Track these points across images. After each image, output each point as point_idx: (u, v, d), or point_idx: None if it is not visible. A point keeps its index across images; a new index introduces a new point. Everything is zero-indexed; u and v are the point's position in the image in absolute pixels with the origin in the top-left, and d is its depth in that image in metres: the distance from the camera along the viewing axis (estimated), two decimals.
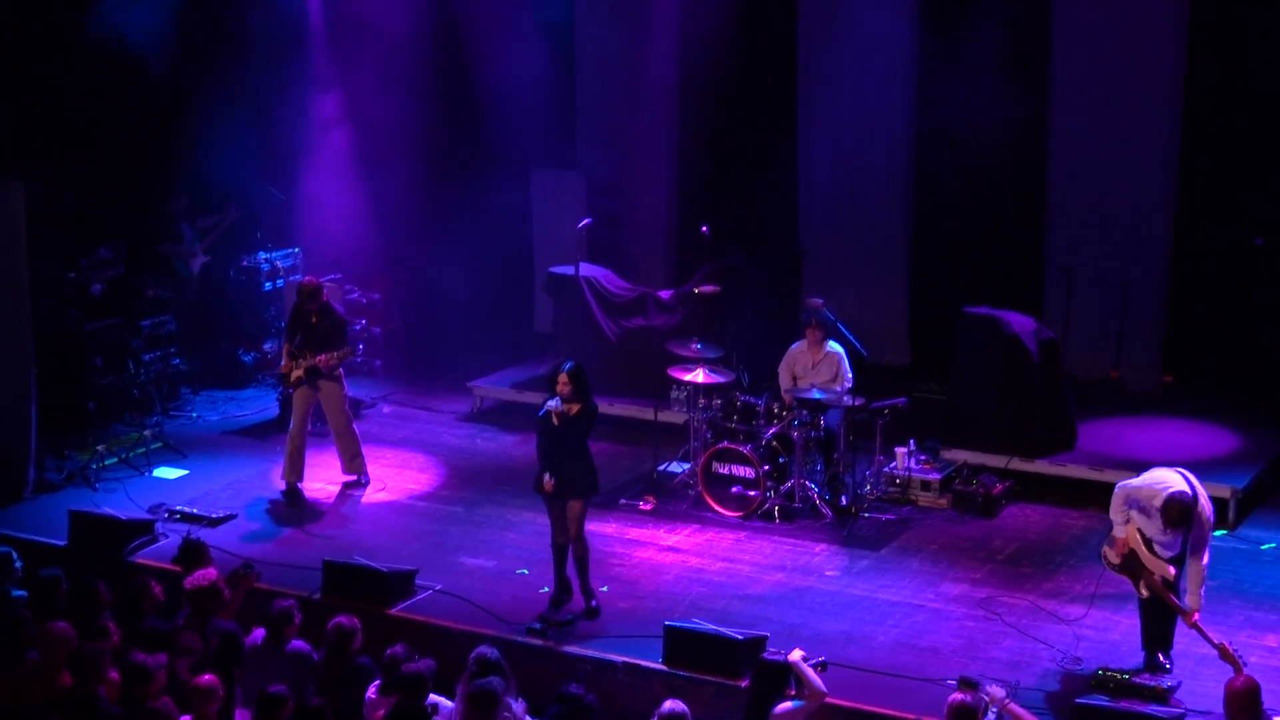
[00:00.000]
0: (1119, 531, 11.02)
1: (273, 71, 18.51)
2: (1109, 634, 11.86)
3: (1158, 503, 10.71)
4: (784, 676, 9.97)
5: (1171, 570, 10.87)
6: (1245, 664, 10.27)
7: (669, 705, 9.59)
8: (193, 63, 18.29)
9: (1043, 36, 16.83)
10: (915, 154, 17.82)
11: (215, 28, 18.48)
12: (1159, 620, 11.17)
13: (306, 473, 15.12)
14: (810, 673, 10.01)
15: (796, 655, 10.08)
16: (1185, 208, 16.66)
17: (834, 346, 14.65)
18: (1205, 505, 10.75)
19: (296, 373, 14.79)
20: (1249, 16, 16.01)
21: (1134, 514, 10.96)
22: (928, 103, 17.64)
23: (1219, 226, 16.50)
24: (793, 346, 14.89)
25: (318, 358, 14.67)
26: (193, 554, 11.87)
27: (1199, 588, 10.80)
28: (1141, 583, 11.02)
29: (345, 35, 19.25)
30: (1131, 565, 11.03)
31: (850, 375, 14.52)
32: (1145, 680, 10.96)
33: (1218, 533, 13.34)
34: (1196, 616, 10.81)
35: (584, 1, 19.11)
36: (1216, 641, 10.52)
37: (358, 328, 17.93)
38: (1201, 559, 10.79)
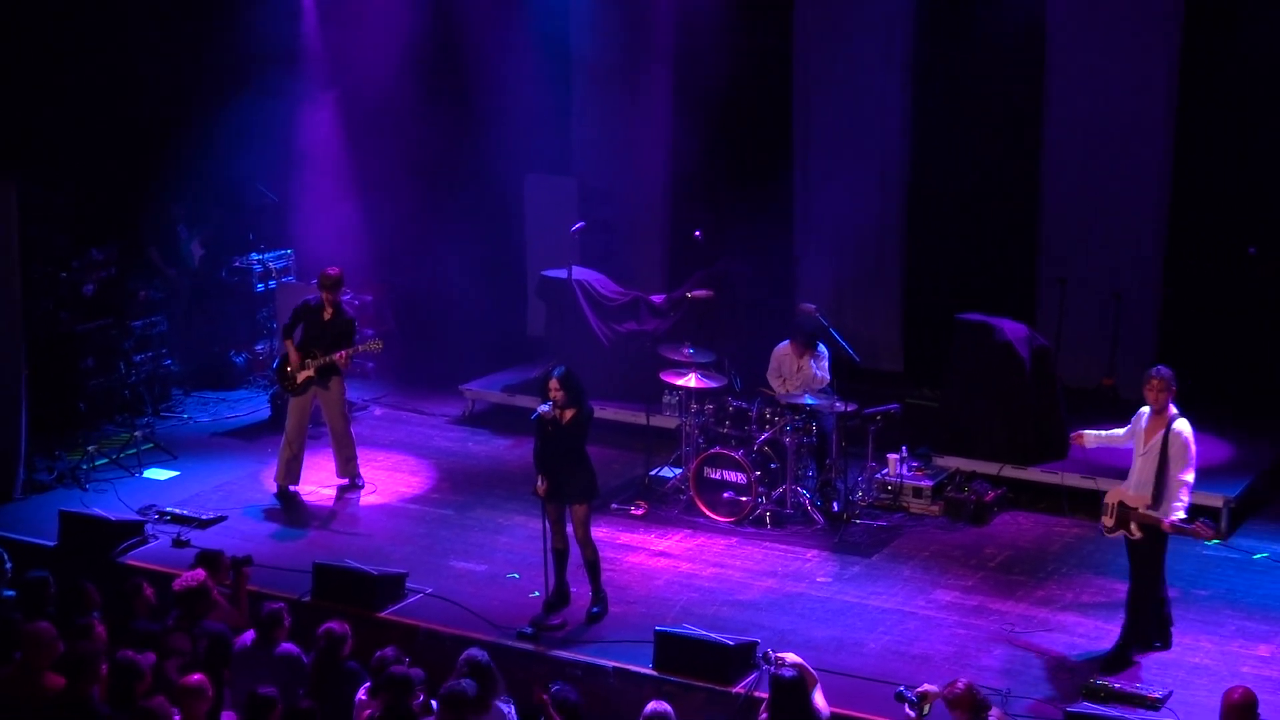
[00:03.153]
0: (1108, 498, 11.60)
1: (268, 73, 18.47)
2: (1100, 642, 11.85)
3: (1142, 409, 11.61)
4: (802, 686, 9.92)
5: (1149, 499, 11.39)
6: (1214, 527, 11.31)
7: (652, 706, 9.61)
8: (189, 65, 18.27)
9: (1037, 46, 16.83)
10: (910, 162, 17.81)
11: (211, 30, 18.44)
12: (1148, 609, 11.53)
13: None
14: (807, 666, 10.06)
15: (794, 657, 10.07)
16: (1178, 217, 16.67)
17: (820, 348, 14.65)
18: (1184, 426, 11.33)
19: (306, 373, 14.72)
20: (1241, 28, 16.01)
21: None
22: (923, 112, 17.64)
23: (1212, 236, 16.51)
24: (777, 348, 14.87)
25: (337, 354, 14.60)
26: (211, 562, 11.81)
27: (1174, 500, 11.25)
28: (1133, 524, 11.34)
29: (341, 38, 19.21)
30: (1122, 514, 11.43)
31: (827, 376, 14.52)
32: (1137, 689, 10.96)
33: (1210, 543, 13.38)
34: (1173, 519, 11.26)
35: (580, 8, 19.08)
36: (1193, 526, 11.23)
37: None
38: (1181, 474, 11.24)
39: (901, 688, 9.98)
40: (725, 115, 18.45)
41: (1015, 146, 17.22)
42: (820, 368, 14.60)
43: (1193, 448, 11.32)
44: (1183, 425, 11.34)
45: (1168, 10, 16.25)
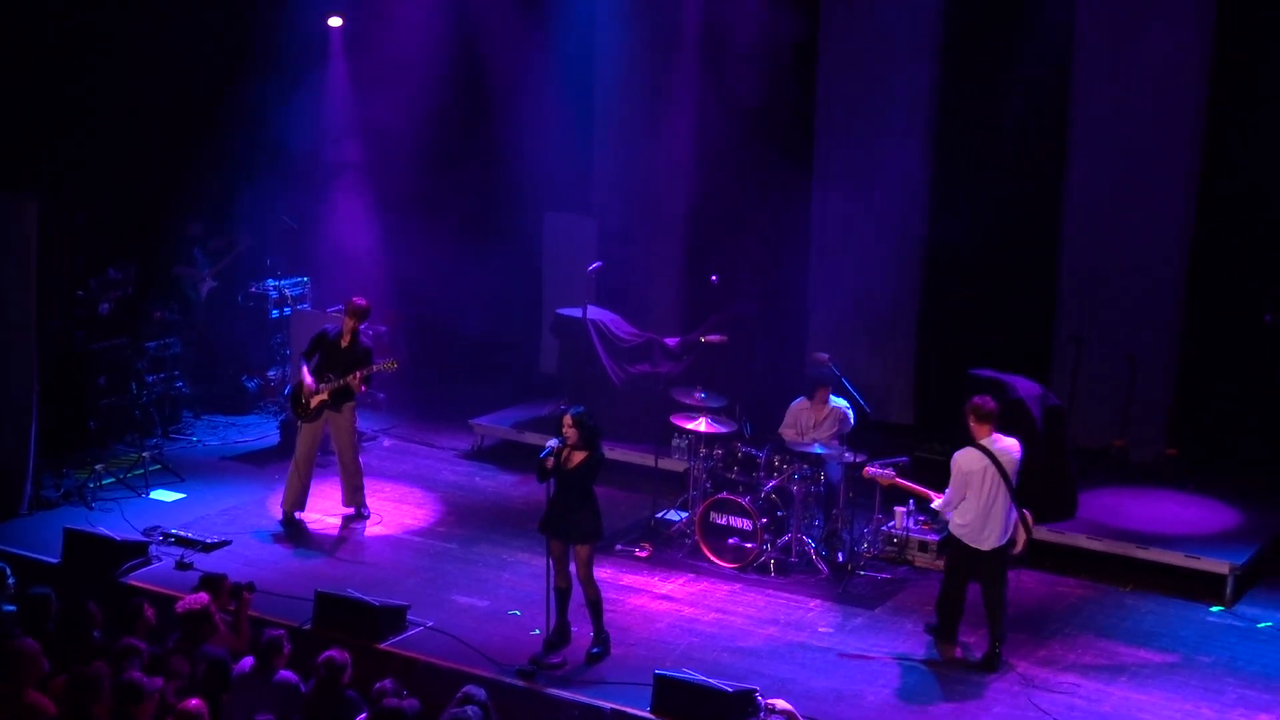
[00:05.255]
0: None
1: (291, 101, 18.56)
2: (1100, 705, 11.78)
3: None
4: None
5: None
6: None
7: None
8: (210, 89, 18.36)
9: (1060, 105, 16.84)
10: (929, 214, 17.80)
11: (234, 55, 18.55)
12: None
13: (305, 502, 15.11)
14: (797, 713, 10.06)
15: (784, 704, 10.05)
16: (1196, 282, 16.65)
17: (836, 401, 14.63)
18: (959, 454, 12.34)
19: (320, 397, 14.73)
20: (1267, 91, 16.02)
21: None
22: (943, 165, 17.65)
23: (1229, 302, 16.48)
24: (794, 403, 14.85)
25: (352, 375, 14.59)
26: (214, 586, 11.79)
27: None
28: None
29: (365, 71, 19.31)
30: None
31: (852, 423, 14.49)
32: None
33: (1213, 609, 13.34)
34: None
35: (604, 49, 19.15)
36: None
37: None
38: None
39: None
40: (745, 162, 18.48)
41: (1035, 203, 17.20)
42: (845, 421, 14.57)
43: (953, 473, 12.32)
44: (962, 457, 12.29)
45: (1192, 77, 16.24)
